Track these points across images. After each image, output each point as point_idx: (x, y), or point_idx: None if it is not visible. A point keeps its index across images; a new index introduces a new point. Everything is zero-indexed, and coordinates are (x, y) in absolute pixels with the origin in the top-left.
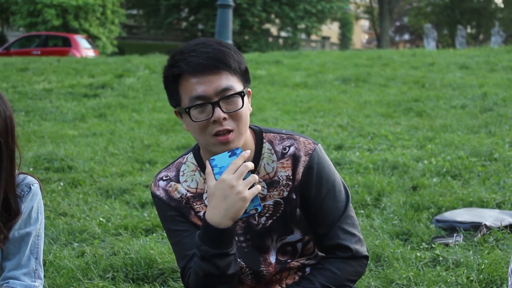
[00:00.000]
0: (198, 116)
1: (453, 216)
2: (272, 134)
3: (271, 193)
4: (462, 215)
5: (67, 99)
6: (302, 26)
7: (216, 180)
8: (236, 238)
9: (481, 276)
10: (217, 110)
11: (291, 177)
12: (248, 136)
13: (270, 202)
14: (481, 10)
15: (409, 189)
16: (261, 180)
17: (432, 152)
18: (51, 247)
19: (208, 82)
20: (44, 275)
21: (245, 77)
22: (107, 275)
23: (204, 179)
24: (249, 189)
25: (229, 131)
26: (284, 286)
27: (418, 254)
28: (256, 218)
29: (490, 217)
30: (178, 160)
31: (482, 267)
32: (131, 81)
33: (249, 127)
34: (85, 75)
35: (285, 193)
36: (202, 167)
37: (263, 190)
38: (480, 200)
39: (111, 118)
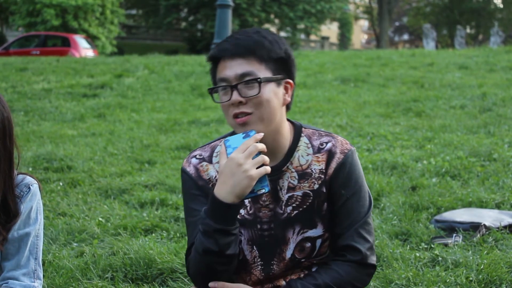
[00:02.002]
0: (221, 97)
1: (452, 216)
2: (311, 130)
3: (301, 184)
4: (461, 215)
5: (66, 99)
6: (301, 26)
7: None
8: (259, 226)
9: (480, 276)
10: (234, 93)
11: (324, 170)
12: (286, 128)
13: (299, 193)
14: (480, 10)
15: (408, 189)
16: (292, 170)
17: (431, 152)
18: (50, 247)
19: (231, 67)
20: (43, 275)
21: (278, 66)
22: (106, 275)
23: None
24: (257, 168)
25: (246, 114)
26: (287, 280)
27: (417, 254)
28: (283, 207)
29: (489, 217)
30: (215, 142)
31: (481, 267)
32: (130, 81)
33: (290, 121)
34: (84, 75)
35: (316, 186)
36: None
37: (293, 180)
38: (479, 200)
39: (110, 118)
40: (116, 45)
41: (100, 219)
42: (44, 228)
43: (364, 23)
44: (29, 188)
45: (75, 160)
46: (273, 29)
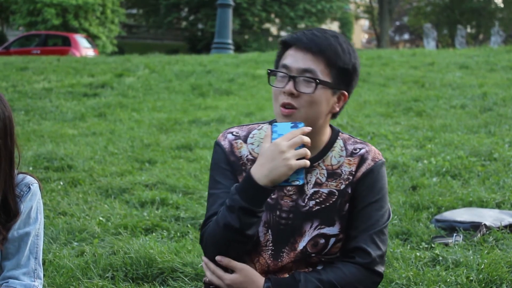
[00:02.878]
0: (276, 82)
1: (452, 216)
2: (347, 135)
3: (329, 182)
4: (461, 215)
5: (66, 99)
6: (302, 25)
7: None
8: (278, 213)
9: (481, 276)
10: (290, 83)
11: (353, 172)
12: (326, 131)
13: (325, 190)
14: (480, 10)
15: (408, 189)
16: (323, 167)
17: (432, 151)
18: (50, 246)
19: (298, 58)
20: (44, 274)
21: (341, 75)
22: (107, 275)
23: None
24: (297, 160)
25: (292, 107)
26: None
27: (418, 254)
28: (306, 200)
29: (489, 217)
30: (252, 125)
31: (482, 267)
32: (131, 80)
33: (330, 126)
34: (85, 74)
35: (342, 186)
36: None
37: (322, 177)
38: (479, 200)
39: (110, 117)
40: (117, 44)
41: (101, 218)
42: (44, 228)
43: (364, 23)
44: (29, 187)
45: (75, 159)
46: (273, 28)
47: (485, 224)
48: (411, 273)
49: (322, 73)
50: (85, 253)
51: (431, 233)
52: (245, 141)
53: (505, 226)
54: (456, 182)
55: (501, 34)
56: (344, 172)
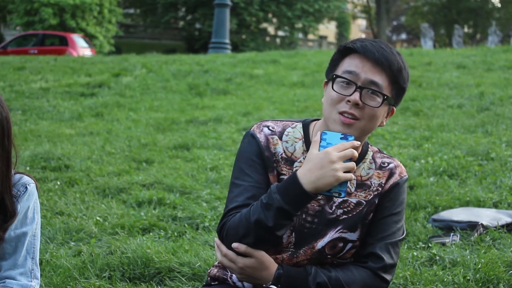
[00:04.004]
0: (339, 89)
1: (449, 215)
2: (376, 149)
3: (358, 193)
4: (458, 214)
5: (64, 98)
6: (299, 25)
7: (318, 151)
8: (303, 216)
9: (478, 275)
10: (357, 93)
11: (383, 185)
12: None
13: (353, 200)
14: (478, 9)
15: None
16: (354, 177)
17: (429, 151)
18: (47, 246)
19: (366, 69)
20: (41, 274)
21: (397, 93)
22: (104, 274)
23: (305, 150)
24: (344, 172)
25: (354, 118)
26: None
27: (415, 254)
28: (333, 207)
29: (486, 216)
30: (286, 122)
31: (479, 266)
32: (128, 80)
33: None
34: (82, 74)
35: (370, 197)
36: (306, 140)
37: (351, 187)
38: (476, 199)
39: (108, 117)
40: (114, 44)
41: (98, 218)
42: (41, 227)
43: (362, 23)
44: (26, 187)
45: (72, 159)
46: (270, 28)
47: (482, 224)
48: (408, 273)
49: (386, 88)
50: (82, 253)
51: (428, 233)
52: (280, 137)
53: (502, 226)
54: (453, 182)
55: (498, 34)
56: (373, 184)
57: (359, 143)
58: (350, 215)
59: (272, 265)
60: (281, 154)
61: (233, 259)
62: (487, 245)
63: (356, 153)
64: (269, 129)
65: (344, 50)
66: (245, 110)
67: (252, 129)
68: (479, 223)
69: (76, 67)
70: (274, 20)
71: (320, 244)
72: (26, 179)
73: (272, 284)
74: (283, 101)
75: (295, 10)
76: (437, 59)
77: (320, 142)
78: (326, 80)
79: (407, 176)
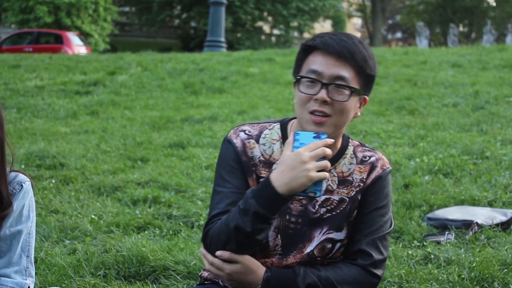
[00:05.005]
0: (305, 89)
1: (444, 214)
2: (357, 142)
3: (340, 190)
4: (453, 213)
5: (59, 96)
6: (294, 24)
7: (292, 152)
8: (287, 217)
9: (472, 274)
10: (323, 91)
11: (364, 180)
12: (340, 137)
13: (336, 197)
14: (473, 8)
15: (401, 187)
16: (335, 174)
17: (424, 150)
18: (42, 244)
19: (330, 65)
20: (36, 272)
21: (365, 82)
22: (99, 273)
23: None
24: (318, 171)
25: (325, 115)
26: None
27: (410, 252)
28: (316, 206)
29: (481, 215)
30: (263, 124)
31: (474, 265)
32: (123, 78)
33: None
34: (77, 72)
35: (353, 193)
36: (285, 140)
37: (333, 184)
38: (471, 198)
39: (103, 115)
40: (109, 42)
41: (93, 216)
42: (36, 226)
43: (357, 21)
44: (22, 185)
45: (67, 157)
46: (266, 27)
47: (477, 223)
48: (403, 271)
49: (353, 80)
50: (77, 251)
51: (423, 231)
52: (257, 141)
53: (497, 224)
54: (448, 181)
55: (493, 33)
56: (355, 179)
57: (332, 140)
58: (333, 213)
59: (259, 268)
60: (259, 157)
61: (219, 267)
62: (482, 244)
63: (328, 151)
64: (245, 133)
65: (306, 48)
66: (241, 109)
67: (229, 135)
68: (474, 222)
69: (71, 65)
70: (270, 18)
71: (309, 248)
72: (21, 177)
73: (261, 286)
74: (278, 99)
75: (291, 8)
76: (432, 58)
77: (294, 143)
78: (294, 80)
79: (389, 168)
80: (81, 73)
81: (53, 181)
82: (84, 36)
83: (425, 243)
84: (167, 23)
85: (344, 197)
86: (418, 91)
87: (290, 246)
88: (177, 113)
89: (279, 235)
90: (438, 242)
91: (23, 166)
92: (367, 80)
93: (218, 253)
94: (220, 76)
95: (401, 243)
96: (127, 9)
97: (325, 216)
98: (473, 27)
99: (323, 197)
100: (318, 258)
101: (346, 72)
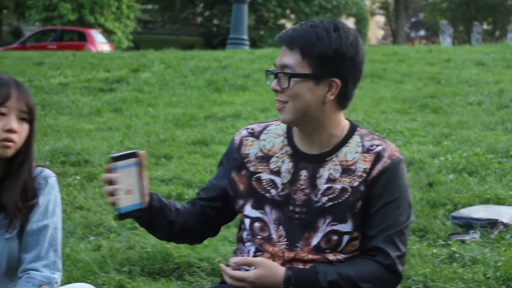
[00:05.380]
0: (268, 82)
1: (469, 213)
2: (365, 131)
3: (343, 178)
4: (478, 212)
5: (83, 94)
6: None
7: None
8: (291, 208)
9: (498, 273)
10: (275, 81)
11: (368, 170)
12: (336, 124)
13: (338, 186)
14: (497, 6)
15: (425, 186)
16: (337, 162)
17: (448, 148)
18: (67, 240)
19: (280, 55)
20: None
21: (322, 63)
22: (124, 269)
23: (285, 145)
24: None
25: (282, 102)
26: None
27: (435, 251)
28: (318, 195)
29: (507, 214)
30: (273, 121)
31: (499, 264)
32: (147, 75)
33: (349, 120)
34: (101, 69)
35: (356, 183)
36: (289, 135)
37: (335, 173)
38: (496, 197)
39: (126, 112)
40: (132, 40)
41: None
42: (61, 222)
43: (380, 19)
44: (47, 181)
45: (92, 154)
46: (288, 24)
47: (502, 221)
48: (428, 270)
49: (299, 65)
50: (102, 248)
51: (447, 230)
52: (257, 137)
53: None
54: (473, 179)
55: None
56: (358, 168)
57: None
58: (335, 202)
59: (279, 269)
60: (256, 154)
61: (241, 277)
62: (507, 243)
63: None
64: (248, 131)
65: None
66: (263, 106)
67: (237, 132)
68: (499, 221)
69: (94, 63)
70: (292, 16)
71: (315, 240)
72: (47, 172)
73: (283, 286)
74: None
75: (313, 6)
76: (456, 56)
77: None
78: None
79: (400, 157)
80: (104, 71)
81: (78, 177)
82: (107, 33)
83: (450, 242)
84: (190, 21)
85: (347, 186)
86: (442, 89)
87: (295, 236)
88: (200, 110)
89: (280, 226)
90: (463, 241)
91: (47, 163)
92: (321, 62)
93: (233, 260)
94: (243, 73)
95: (425, 242)
96: (150, 6)
97: (327, 205)
98: (497, 25)
99: (325, 186)
100: (327, 251)
101: (289, 59)
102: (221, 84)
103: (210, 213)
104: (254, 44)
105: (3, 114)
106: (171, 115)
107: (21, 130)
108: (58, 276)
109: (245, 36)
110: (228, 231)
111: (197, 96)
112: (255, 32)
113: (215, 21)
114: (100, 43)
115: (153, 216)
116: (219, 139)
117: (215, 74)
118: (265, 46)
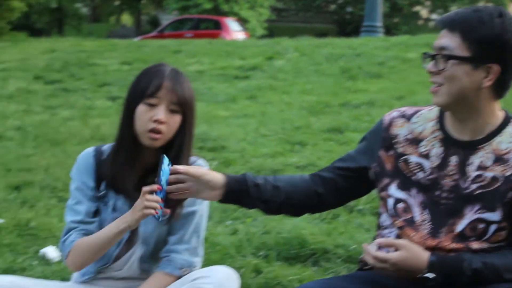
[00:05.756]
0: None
1: None
2: None
3: (495, 167)
4: None
5: (218, 81)
6: (453, 7)
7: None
8: (438, 193)
9: None
10: (431, 63)
11: None
12: (491, 112)
13: (489, 174)
14: None
15: None
16: (489, 151)
17: None
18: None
19: (439, 37)
20: None
21: (483, 48)
22: (260, 253)
23: (436, 129)
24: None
25: (436, 85)
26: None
27: None
28: (467, 182)
29: None
30: (426, 107)
31: None
32: (281, 63)
33: (504, 111)
34: (236, 57)
35: (508, 173)
36: (441, 120)
37: (487, 161)
38: None
39: (261, 99)
40: (266, 27)
41: None
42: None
43: None
44: None
45: (228, 140)
46: (424, 11)
47: None
48: None
49: (459, 48)
50: (238, 232)
51: None
52: (408, 119)
53: None
54: None
55: None
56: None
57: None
58: (485, 190)
59: (423, 253)
60: (406, 135)
61: (384, 258)
62: None
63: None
64: (399, 112)
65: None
66: (399, 94)
67: (386, 114)
68: None
69: (229, 51)
70: (427, 3)
71: (460, 226)
72: (200, 161)
73: (427, 271)
74: None
75: None
76: None
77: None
78: None
79: None
80: (239, 58)
81: (215, 163)
82: (242, 21)
83: None
84: (323, 8)
85: (498, 175)
86: None
87: (440, 222)
88: (334, 98)
89: (426, 209)
90: None
91: None
92: (483, 45)
93: (377, 240)
94: (377, 61)
95: None
96: None
97: (476, 193)
98: None
99: (475, 173)
100: (472, 238)
101: (449, 41)
102: (355, 72)
103: (340, 182)
104: (389, 31)
105: (153, 105)
106: (305, 103)
107: (171, 122)
108: (198, 261)
109: (379, 23)
110: (364, 219)
111: (331, 84)
112: (390, 20)
113: (349, 9)
114: (235, 31)
115: (234, 199)
116: (354, 126)
117: (349, 61)
118: (399, 34)
